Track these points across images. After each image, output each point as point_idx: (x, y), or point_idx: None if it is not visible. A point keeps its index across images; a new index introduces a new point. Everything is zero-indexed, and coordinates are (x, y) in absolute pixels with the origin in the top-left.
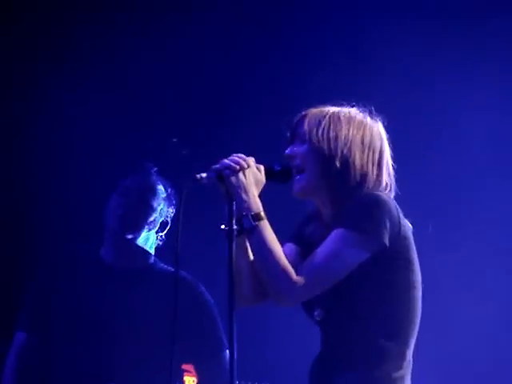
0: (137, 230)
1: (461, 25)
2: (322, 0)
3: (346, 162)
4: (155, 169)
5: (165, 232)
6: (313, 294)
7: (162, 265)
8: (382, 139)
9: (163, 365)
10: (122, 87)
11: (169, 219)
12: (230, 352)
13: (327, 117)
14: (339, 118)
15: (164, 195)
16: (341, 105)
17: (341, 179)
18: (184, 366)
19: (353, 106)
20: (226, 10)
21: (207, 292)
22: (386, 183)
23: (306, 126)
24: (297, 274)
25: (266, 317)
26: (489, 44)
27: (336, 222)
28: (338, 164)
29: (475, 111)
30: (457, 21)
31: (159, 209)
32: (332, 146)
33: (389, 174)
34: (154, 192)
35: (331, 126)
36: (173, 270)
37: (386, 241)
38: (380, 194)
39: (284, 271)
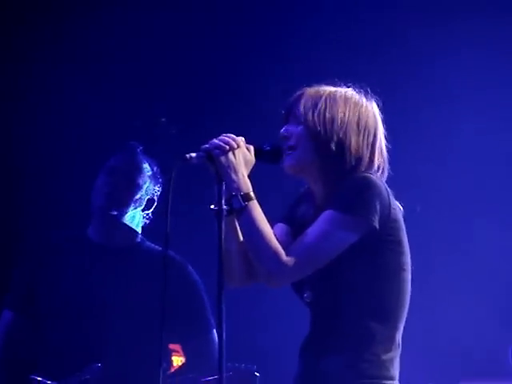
0: (123, 208)
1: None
2: None
3: (342, 145)
4: (141, 147)
5: (151, 210)
6: (303, 275)
7: (149, 243)
8: (376, 121)
9: (152, 345)
10: (110, 67)
11: (155, 197)
12: (218, 333)
13: (323, 98)
14: (335, 99)
15: (150, 173)
16: (337, 84)
17: (335, 161)
18: (171, 346)
19: (349, 87)
20: None
21: (195, 272)
22: (379, 165)
23: (301, 108)
24: (287, 255)
25: (255, 298)
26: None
27: (327, 203)
28: (333, 147)
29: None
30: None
31: (145, 187)
32: (328, 129)
33: (382, 156)
34: (139, 170)
35: (327, 109)
36: (160, 248)
37: (376, 223)
38: (371, 176)
39: (274, 252)
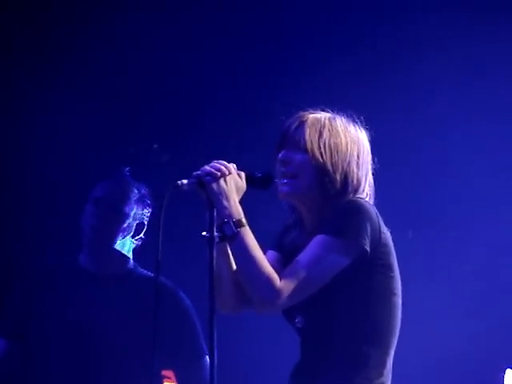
0: (112, 238)
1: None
2: None
3: (346, 176)
4: (127, 169)
5: (141, 234)
6: (296, 301)
7: (140, 270)
8: (369, 152)
9: (144, 371)
10: (102, 92)
11: (145, 221)
12: (210, 359)
13: (326, 128)
14: (338, 130)
15: (137, 197)
16: (328, 110)
17: (337, 192)
18: (164, 373)
19: (341, 113)
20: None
21: (187, 298)
22: (367, 193)
23: (306, 136)
24: (280, 281)
25: (246, 324)
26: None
27: (318, 228)
28: (337, 178)
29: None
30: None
31: (132, 213)
32: (333, 160)
33: (369, 184)
34: (126, 198)
35: (331, 139)
36: (152, 274)
37: (368, 246)
38: (360, 200)
39: (267, 278)
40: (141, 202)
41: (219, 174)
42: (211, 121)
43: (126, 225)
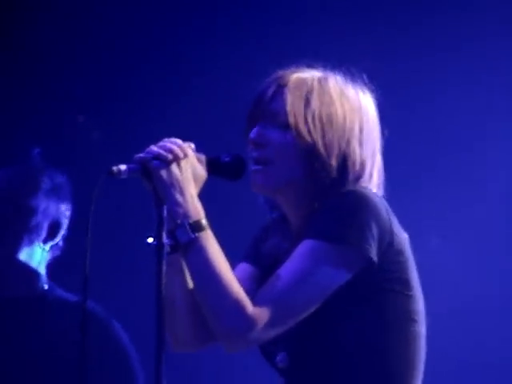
0: (12, 243)
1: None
2: None
3: (344, 159)
4: (37, 150)
5: (57, 239)
6: (276, 333)
7: (59, 291)
8: (376, 123)
9: None
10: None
11: (62, 220)
12: None
13: (316, 94)
14: (331, 95)
15: (48, 188)
16: (316, 66)
17: (333, 181)
18: None
19: (336, 70)
20: None
21: (123, 331)
22: (374, 181)
23: (288, 105)
24: (254, 305)
25: (203, 362)
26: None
27: (305, 231)
28: (333, 162)
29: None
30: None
31: (41, 209)
32: (327, 138)
33: (377, 168)
34: (30, 188)
35: (323, 109)
36: (76, 298)
37: (374, 255)
38: (364, 190)
39: (236, 302)
40: (54, 194)
41: (170, 156)
42: (158, 82)
43: (32, 223)
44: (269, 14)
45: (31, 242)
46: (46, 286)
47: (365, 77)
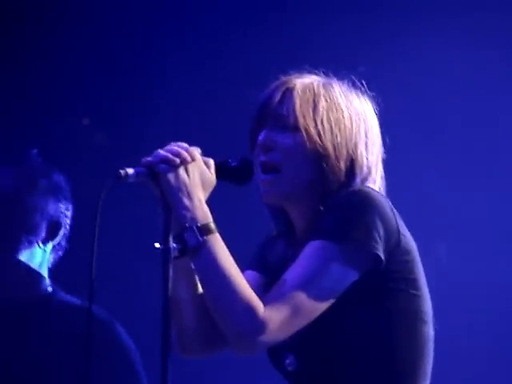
0: (12, 244)
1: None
2: None
3: (352, 162)
4: (35, 151)
5: (58, 239)
6: (286, 335)
7: (62, 294)
8: (378, 130)
9: None
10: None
11: (62, 219)
12: None
13: (322, 98)
14: (337, 100)
15: (46, 186)
16: (318, 72)
17: (341, 185)
18: None
19: (336, 77)
20: None
21: (130, 338)
22: (378, 186)
23: (297, 108)
24: (264, 308)
25: (204, 362)
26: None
27: (311, 232)
28: (342, 166)
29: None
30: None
31: (40, 207)
32: (336, 141)
33: (380, 174)
34: (27, 186)
35: (331, 113)
36: (80, 302)
37: (381, 253)
38: (369, 189)
39: (247, 305)
40: (52, 193)
41: (178, 160)
42: (165, 85)
43: (30, 224)
44: (271, 16)
45: (30, 243)
46: (49, 289)
47: (364, 83)
